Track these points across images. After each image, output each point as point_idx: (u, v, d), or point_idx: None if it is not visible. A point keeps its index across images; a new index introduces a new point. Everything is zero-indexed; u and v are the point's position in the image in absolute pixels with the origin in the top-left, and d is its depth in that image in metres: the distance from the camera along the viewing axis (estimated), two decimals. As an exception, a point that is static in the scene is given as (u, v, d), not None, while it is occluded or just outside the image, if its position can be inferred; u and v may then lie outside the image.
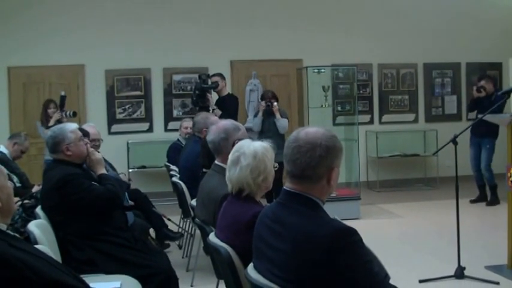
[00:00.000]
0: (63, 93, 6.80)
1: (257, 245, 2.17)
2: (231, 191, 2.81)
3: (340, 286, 1.89)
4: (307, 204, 2.03)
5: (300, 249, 1.93)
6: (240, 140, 3.30)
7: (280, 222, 2.05)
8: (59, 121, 6.98)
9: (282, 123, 7.26)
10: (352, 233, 1.93)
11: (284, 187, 2.10)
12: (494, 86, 7.99)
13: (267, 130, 7.29)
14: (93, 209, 3.38)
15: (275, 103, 7.32)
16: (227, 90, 7.78)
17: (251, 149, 2.77)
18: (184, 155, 5.83)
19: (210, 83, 7.45)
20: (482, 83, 7.76)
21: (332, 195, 4.82)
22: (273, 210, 2.13)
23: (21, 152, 6.25)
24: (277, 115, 7.28)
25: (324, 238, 1.89)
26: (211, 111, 6.89)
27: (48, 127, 6.98)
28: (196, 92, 7.44)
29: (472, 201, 7.87)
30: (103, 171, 3.66)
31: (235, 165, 2.77)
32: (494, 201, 7.70)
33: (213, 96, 7.67)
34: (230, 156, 2.84)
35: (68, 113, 6.96)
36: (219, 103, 7.57)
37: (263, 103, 7.40)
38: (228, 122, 3.79)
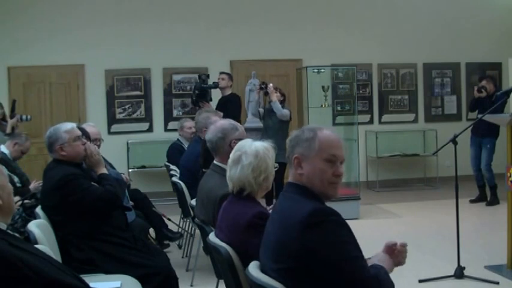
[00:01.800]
0: (14, 99, 6.91)
1: (264, 239, 2.21)
2: (231, 190, 2.80)
3: (316, 264, 1.90)
4: (296, 190, 2.13)
5: (282, 229, 2.01)
6: (237, 140, 3.30)
7: (278, 209, 2.17)
8: (13, 128, 7.00)
9: (277, 106, 7.04)
10: (330, 213, 1.97)
11: None
12: (495, 86, 8.00)
13: (268, 128, 7.25)
14: (92, 210, 3.38)
15: (270, 84, 7.19)
16: (231, 89, 7.78)
17: (252, 148, 2.77)
18: (185, 154, 5.83)
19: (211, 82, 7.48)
20: (483, 83, 7.78)
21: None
22: (278, 202, 2.25)
23: (21, 152, 6.23)
24: (273, 97, 7.07)
25: (301, 215, 1.95)
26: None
27: (6, 134, 6.97)
28: (196, 91, 7.46)
29: (472, 201, 7.87)
30: (103, 171, 3.66)
31: (236, 164, 2.76)
32: (494, 201, 7.70)
33: (214, 95, 7.69)
34: (231, 156, 2.83)
35: (23, 117, 6.96)
36: (221, 102, 7.56)
37: (258, 85, 7.31)
38: (225, 122, 3.79)
